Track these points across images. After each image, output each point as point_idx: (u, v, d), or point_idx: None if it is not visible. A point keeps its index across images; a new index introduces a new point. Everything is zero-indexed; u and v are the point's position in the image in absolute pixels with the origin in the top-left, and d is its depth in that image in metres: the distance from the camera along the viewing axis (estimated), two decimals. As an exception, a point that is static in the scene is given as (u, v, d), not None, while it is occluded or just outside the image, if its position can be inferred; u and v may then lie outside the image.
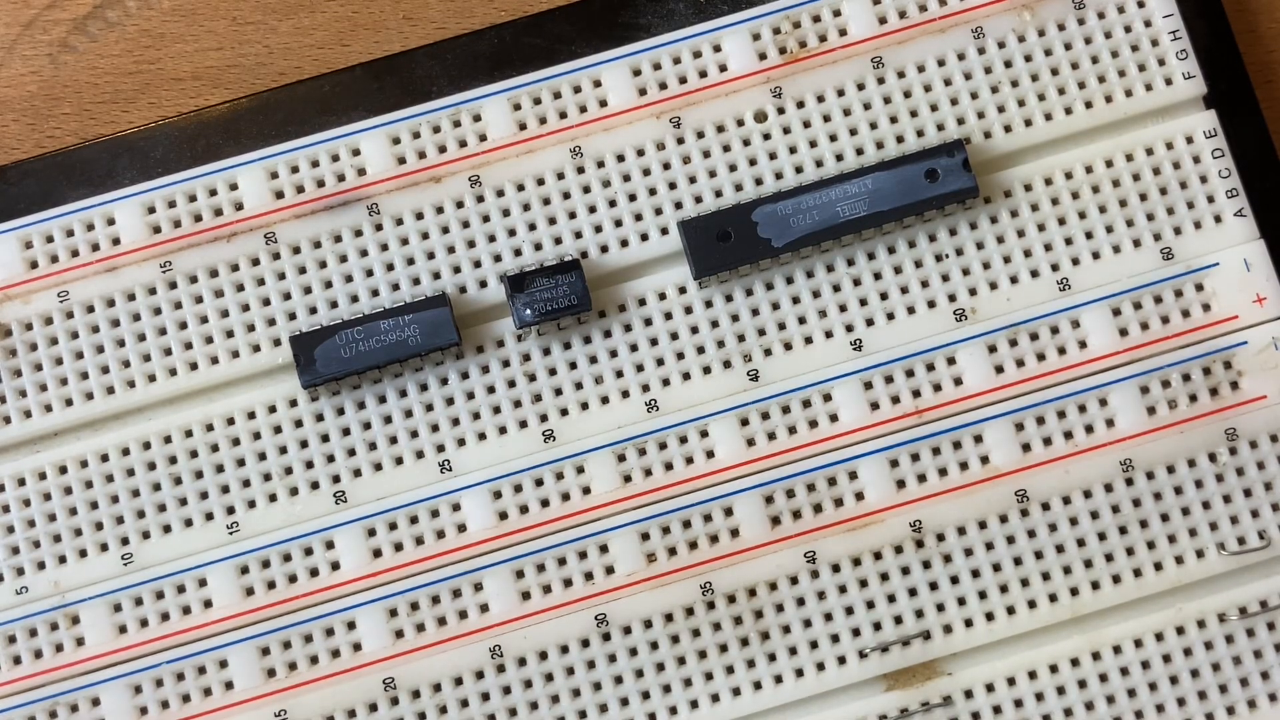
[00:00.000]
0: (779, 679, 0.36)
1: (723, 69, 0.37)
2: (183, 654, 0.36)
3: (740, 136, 0.37)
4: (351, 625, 0.36)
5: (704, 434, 0.36)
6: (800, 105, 0.37)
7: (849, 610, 0.36)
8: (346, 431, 0.36)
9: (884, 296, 0.37)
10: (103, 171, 0.37)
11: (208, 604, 0.36)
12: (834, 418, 0.36)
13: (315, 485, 0.36)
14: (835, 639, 0.36)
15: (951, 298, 0.37)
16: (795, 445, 0.36)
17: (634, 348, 0.37)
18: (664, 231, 0.37)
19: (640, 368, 0.36)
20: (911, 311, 0.37)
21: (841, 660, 0.36)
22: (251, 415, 0.36)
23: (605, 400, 0.36)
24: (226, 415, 0.36)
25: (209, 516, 0.36)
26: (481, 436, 0.36)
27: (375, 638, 0.36)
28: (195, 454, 0.36)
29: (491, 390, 0.36)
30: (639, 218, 0.37)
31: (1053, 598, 0.36)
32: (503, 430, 0.36)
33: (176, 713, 0.35)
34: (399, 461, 0.36)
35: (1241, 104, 0.37)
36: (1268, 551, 0.36)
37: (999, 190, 0.37)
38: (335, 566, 0.36)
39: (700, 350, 0.37)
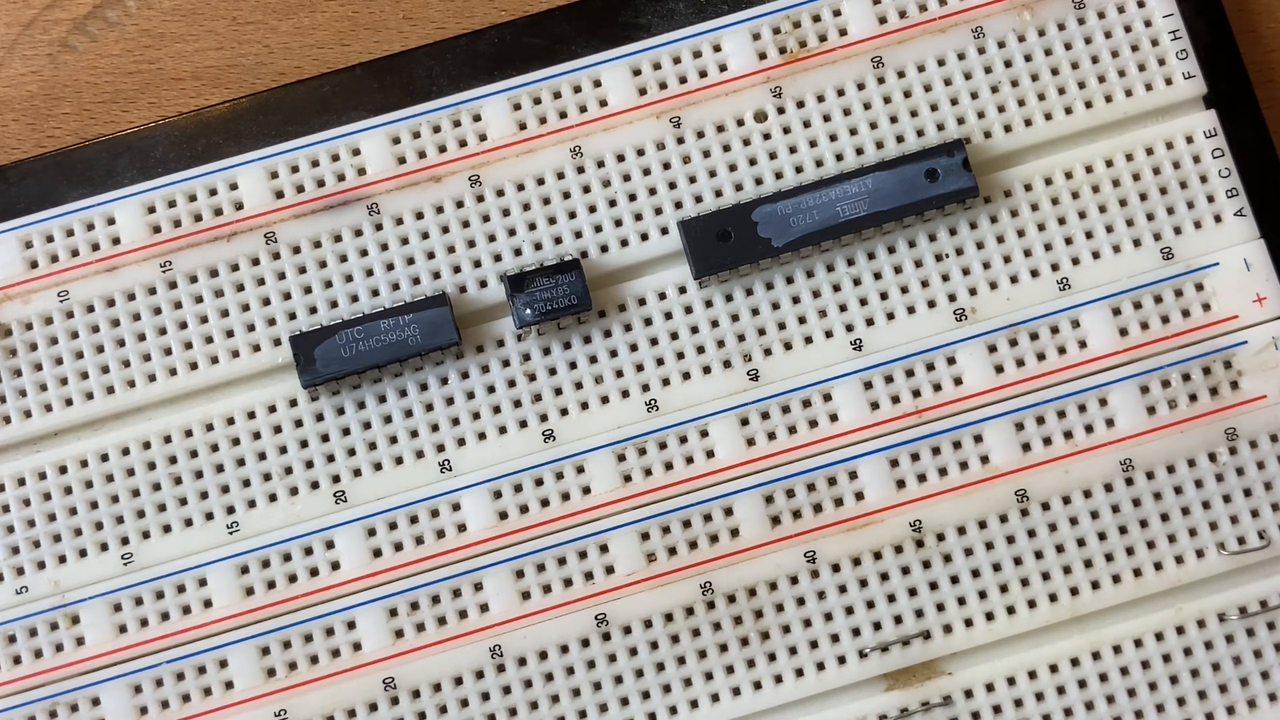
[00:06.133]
0: (779, 679, 0.36)
1: (723, 69, 0.37)
2: (183, 654, 0.36)
3: (740, 136, 0.37)
4: (351, 625, 0.36)
5: (704, 434, 0.36)
6: (800, 105, 0.37)
7: (849, 610, 0.36)
8: (346, 431, 0.36)
9: (884, 296, 0.37)
10: (103, 171, 0.37)
11: (208, 604, 0.36)
12: (834, 418, 0.36)
13: (315, 485, 0.36)
14: (835, 639, 0.36)
15: (951, 298, 0.37)
16: (795, 445, 0.36)
17: (634, 348, 0.37)
18: (664, 231, 0.37)
19: (640, 368, 0.36)
20: (911, 311, 0.37)
21: (841, 660, 0.36)
22: (251, 415, 0.36)
23: (605, 400, 0.36)
24: (226, 415, 0.36)
25: (209, 516, 0.36)
26: (481, 436, 0.36)
27: (375, 638, 0.36)
28: (195, 454, 0.36)
29: (491, 390, 0.36)
30: (639, 218, 0.37)
31: (1053, 598, 0.36)
32: (503, 430, 0.36)
33: (176, 713, 0.35)
34: (399, 461, 0.36)
35: (1241, 104, 0.37)
36: (1268, 551, 0.36)
37: (999, 190, 0.37)
38: (335, 566, 0.36)
39: (700, 350, 0.37)
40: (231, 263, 0.37)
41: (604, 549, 0.36)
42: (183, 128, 0.37)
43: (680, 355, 0.37)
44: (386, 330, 0.36)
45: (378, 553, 0.36)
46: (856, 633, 0.36)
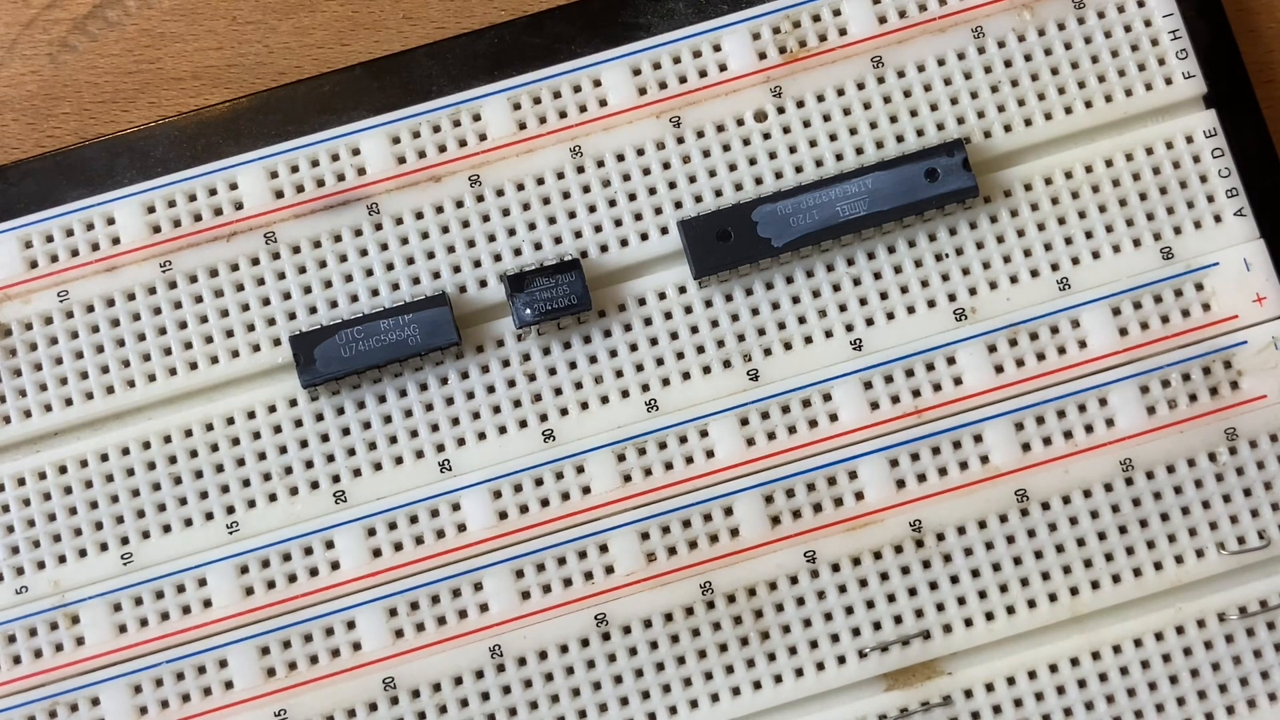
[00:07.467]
0: (779, 679, 0.36)
1: (723, 69, 0.37)
2: (183, 654, 0.36)
3: (740, 136, 0.37)
4: (351, 625, 0.36)
5: (704, 434, 0.36)
6: (800, 105, 0.37)
7: (849, 610, 0.36)
8: (346, 431, 0.36)
9: (884, 296, 0.37)
10: (103, 171, 0.37)
11: (208, 604, 0.36)
12: (834, 417, 0.36)
13: (315, 485, 0.36)
14: (835, 639, 0.36)
15: (951, 297, 0.37)
16: (795, 445, 0.36)
17: (634, 348, 0.37)
18: (664, 231, 0.37)
19: (640, 367, 0.36)
20: (911, 311, 0.37)
21: (841, 660, 0.36)
22: (251, 415, 0.36)
23: (605, 400, 0.36)
24: (226, 415, 0.36)
25: (209, 516, 0.36)
26: (481, 436, 0.36)
27: (375, 637, 0.36)
28: (195, 454, 0.36)
29: (491, 390, 0.36)
30: (639, 217, 0.37)
31: (1053, 598, 0.36)
32: (503, 430, 0.36)
33: (176, 713, 0.35)
34: (399, 461, 0.36)
35: (1241, 104, 0.37)
36: (1268, 551, 0.36)
37: (999, 190, 0.37)
38: (335, 566, 0.36)
39: (700, 350, 0.37)
40: (231, 263, 0.37)
41: (604, 549, 0.36)
42: (183, 128, 0.37)
43: (680, 355, 0.37)
44: (386, 330, 0.36)
45: (377, 553, 0.36)
46: (856, 633, 0.36)
